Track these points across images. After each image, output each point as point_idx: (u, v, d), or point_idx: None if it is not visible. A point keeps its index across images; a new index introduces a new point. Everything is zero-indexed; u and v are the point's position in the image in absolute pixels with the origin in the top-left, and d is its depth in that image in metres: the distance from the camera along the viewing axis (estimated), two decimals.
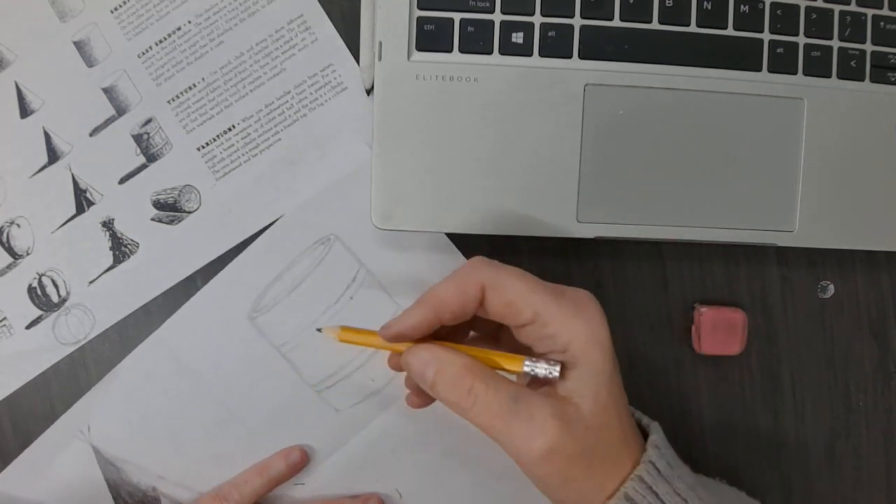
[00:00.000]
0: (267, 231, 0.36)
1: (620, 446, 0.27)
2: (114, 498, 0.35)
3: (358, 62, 0.35)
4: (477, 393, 0.26)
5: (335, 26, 0.36)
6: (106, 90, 0.35)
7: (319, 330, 0.32)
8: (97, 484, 0.35)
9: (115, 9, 0.35)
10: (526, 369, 0.27)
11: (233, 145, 0.36)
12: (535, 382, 0.29)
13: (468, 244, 0.36)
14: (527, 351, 0.28)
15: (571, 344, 0.26)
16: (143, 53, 0.35)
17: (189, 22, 0.35)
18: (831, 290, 0.38)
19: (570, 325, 0.26)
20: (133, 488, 0.35)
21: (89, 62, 0.35)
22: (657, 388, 0.37)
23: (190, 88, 0.35)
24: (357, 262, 0.36)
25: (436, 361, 0.27)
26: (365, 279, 0.36)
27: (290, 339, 0.36)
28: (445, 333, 0.29)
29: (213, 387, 0.35)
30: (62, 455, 0.35)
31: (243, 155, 0.36)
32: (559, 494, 0.27)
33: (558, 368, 0.26)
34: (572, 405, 0.26)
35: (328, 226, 0.36)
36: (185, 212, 0.35)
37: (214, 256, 0.35)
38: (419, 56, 0.33)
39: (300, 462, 0.35)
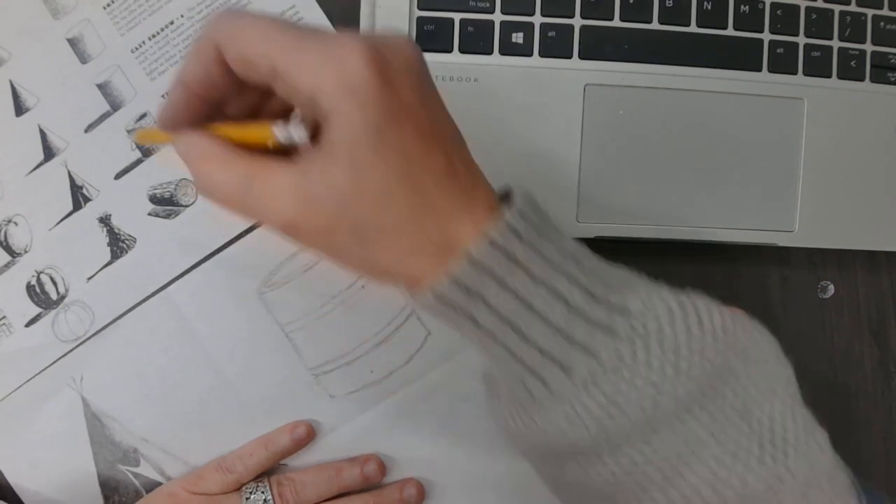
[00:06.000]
0: None
1: (421, 213, 0.24)
2: (94, 454, 0.38)
3: None
4: (207, 182, 0.26)
5: (334, 26, 0.38)
6: (100, 86, 0.38)
7: (129, 132, 0.37)
8: (80, 437, 0.38)
9: (108, 5, 0.38)
10: (275, 134, 0.24)
11: None
12: (297, 151, 0.25)
13: None
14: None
15: (317, 95, 0.23)
16: (137, 48, 0.39)
17: (182, 16, 0.38)
18: (831, 290, 0.42)
19: (314, 72, 0.23)
20: (115, 447, 0.39)
21: (83, 59, 0.38)
22: None
23: None
24: None
25: (182, 149, 0.26)
26: None
27: (296, 319, 0.39)
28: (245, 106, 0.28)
29: (213, 353, 0.39)
30: (50, 402, 0.38)
31: None
32: (351, 268, 0.26)
33: (303, 129, 0.24)
34: (323, 170, 0.24)
35: None
36: (181, 206, 0.39)
37: (211, 250, 0.39)
38: None
39: (306, 437, 0.38)
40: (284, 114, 0.28)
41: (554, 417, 0.25)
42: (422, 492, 0.39)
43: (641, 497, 0.25)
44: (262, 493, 0.37)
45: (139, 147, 0.39)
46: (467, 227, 0.25)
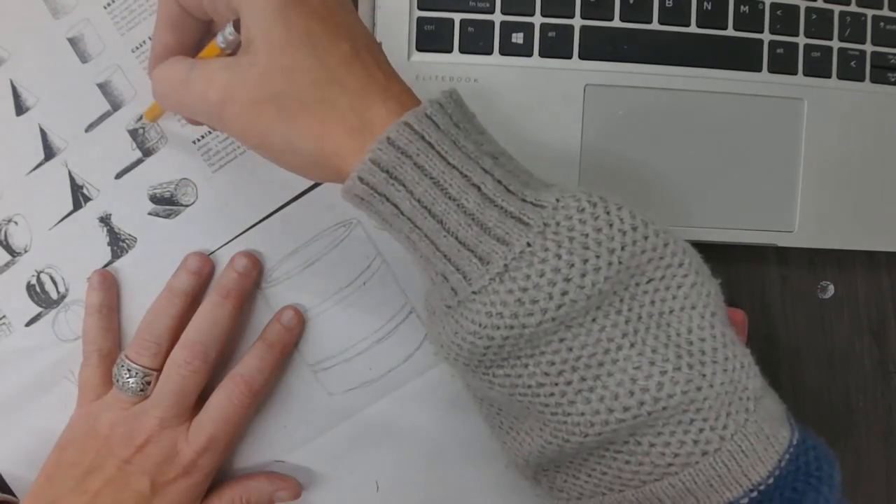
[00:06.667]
0: (292, 204, 0.39)
1: (329, 85, 0.27)
2: None
3: None
4: (157, 77, 0.30)
5: None
6: (100, 85, 0.39)
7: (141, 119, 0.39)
8: None
9: (108, 4, 0.39)
10: (218, 42, 0.29)
11: (228, 137, 0.40)
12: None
13: None
14: None
15: None
16: (137, 48, 0.39)
17: None
18: (831, 290, 0.42)
19: None
20: None
21: (83, 58, 0.39)
22: None
23: None
24: (375, 250, 0.39)
25: (153, 76, 0.31)
26: (379, 269, 0.39)
27: None
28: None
29: None
30: (48, 395, 0.39)
31: (239, 147, 0.39)
32: (273, 151, 0.28)
33: (230, 26, 0.29)
34: (249, 52, 0.27)
35: (353, 208, 0.39)
36: (181, 205, 0.39)
37: (212, 249, 0.39)
38: (419, 56, 0.36)
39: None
40: None
41: (476, 316, 0.26)
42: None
43: (568, 409, 0.26)
44: (119, 363, 0.36)
45: (140, 147, 0.39)
46: (382, 115, 0.27)
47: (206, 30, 0.33)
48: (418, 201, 0.27)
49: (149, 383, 0.36)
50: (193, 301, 0.38)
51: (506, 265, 0.26)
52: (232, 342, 0.39)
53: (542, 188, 0.27)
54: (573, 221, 0.26)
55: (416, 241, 0.28)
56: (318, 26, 0.27)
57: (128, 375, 0.36)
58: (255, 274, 0.38)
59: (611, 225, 0.26)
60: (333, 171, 0.28)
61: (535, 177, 0.29)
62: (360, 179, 0.27)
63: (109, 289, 0.39)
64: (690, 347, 0.26)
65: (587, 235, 0.26)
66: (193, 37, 0.32)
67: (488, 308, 0.26)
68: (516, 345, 0.26)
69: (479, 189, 0.26)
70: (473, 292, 0.26)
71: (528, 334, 0.26)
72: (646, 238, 0.26)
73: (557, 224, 0.26)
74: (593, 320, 0.26)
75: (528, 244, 0.26)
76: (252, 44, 0.27)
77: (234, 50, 0.29)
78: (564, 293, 0.25)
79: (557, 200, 0.26)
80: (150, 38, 0.39)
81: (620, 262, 0.26)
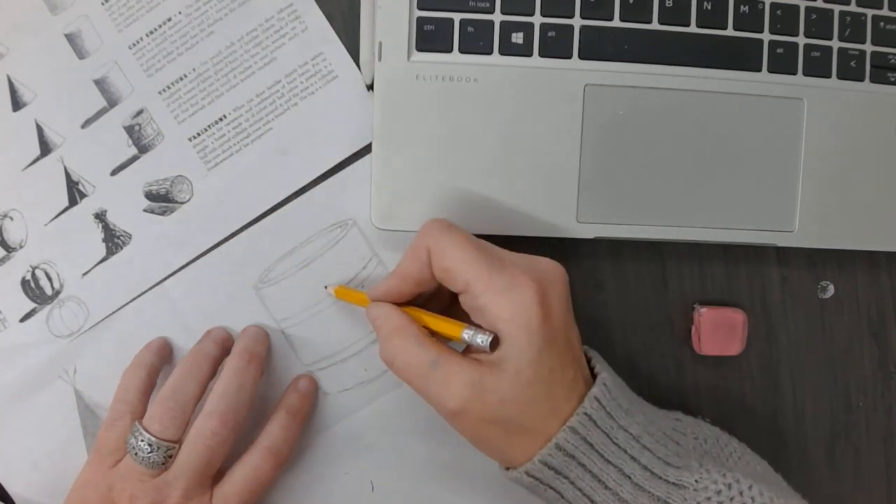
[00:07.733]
0: (288, 205, 0.40)
1: (549, 417, 0.32)
2: (87, 446, 0.39)
3: (357, 61, 0.39)
4: (397, 353, 0.33)
5: (335, 26, 0.40)
6: (97, 82, 0.40)
7: (326, 287, 0.40)
8: (73, 429, 0.39)
9: (106, 0, 0.39)
10: (464, 337, 0.32)
11: (224, 135, 0.40)
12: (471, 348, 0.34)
13: None
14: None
15: (498, 320, 0.31)
16: (134, 45, 0.40)
17: (179, 13, 0.39)
18: (831, 290, 0.43)
19: (496, 301, 0.31)
20: None
21: (80, 54, 0.39)
22: (657, 388, 0.42)
23: (181, 79, 0.40)
24: (371, 250, 0.40)
25: (380, 318, 0.34)
26: (376, 269, 0.40)
27: (292, 315, 0.40)
28: (439, 298, 0.36)
29: None
30: (42, 394, 0.39)
31: (235, 145, 0.40)
32: (480, 448, 0.34)
33: (489, 340, 0.32)
34: (493, 375, 0.31)
35: (349, 209, 0.40)
36: (177, 203, 0.40)
37: (206, 247, 0.40)
38: (419, 56, 0.37)
39: (165, 346, 0.39)
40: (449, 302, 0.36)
41: None
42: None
43: None
44: (136, 435, 0.35)
45: (136, 143, 0.40)
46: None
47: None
48: (580, 490, 0.32)
49: (171, 456, 0.35)
50: (216, 370, 0.38)
51: None
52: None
53: (678, 463, 0.33)
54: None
55: None
56: (557, 361, 0.32)
57: (149, 450, 0.34)
58: (268, 342, 0.40)
59: None
60: (510, 459, 0.33)
61: (659, 437, 0.34)
62: (527, 473, 0.32)
63: (162, 355, 0.39)
64: None
65: None
66: (426, 294, 0.35)
67: None
68: None
69: (630, 479, 0.32)
70: None
71: None
72: None
73: None
74: None
75: None
76: (499, 368, 0.31)
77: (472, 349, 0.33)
78: None
79: (696, 482, 0.32)
80: (147, 35, 0.40)
81: None
